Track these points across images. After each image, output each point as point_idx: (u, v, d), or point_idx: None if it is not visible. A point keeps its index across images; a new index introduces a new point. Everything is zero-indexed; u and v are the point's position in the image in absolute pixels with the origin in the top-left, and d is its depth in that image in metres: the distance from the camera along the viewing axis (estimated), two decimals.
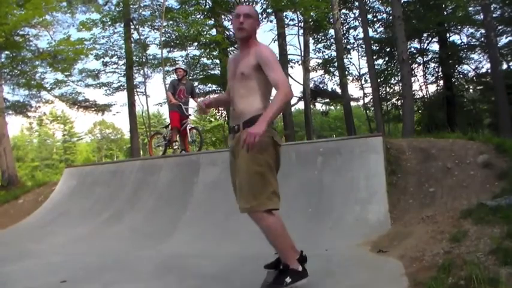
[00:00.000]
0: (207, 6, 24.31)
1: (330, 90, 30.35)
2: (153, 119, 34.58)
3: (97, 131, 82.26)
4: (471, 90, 29.51)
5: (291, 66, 27.71)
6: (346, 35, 28.71)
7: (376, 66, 25.60)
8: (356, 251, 5.67)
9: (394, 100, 29.38)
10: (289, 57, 27.17)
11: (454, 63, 27.10)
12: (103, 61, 26.09)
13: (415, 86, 26.76)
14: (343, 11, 27.49)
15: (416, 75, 27.89)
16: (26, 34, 20.32)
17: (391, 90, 29.31)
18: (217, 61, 25.68)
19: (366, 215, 6.77)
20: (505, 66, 24.13)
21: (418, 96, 27.96)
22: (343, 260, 5.34)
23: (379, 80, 25.90)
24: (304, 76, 26.85)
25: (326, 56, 29.18)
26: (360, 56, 30.13)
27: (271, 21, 26.53)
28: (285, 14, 25.95)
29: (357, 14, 27.76)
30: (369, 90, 27.98)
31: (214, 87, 27.66)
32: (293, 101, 28.26)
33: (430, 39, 27.60)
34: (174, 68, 13.40)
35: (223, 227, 7.25)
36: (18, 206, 11.34)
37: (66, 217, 9.44)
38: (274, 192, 3.90)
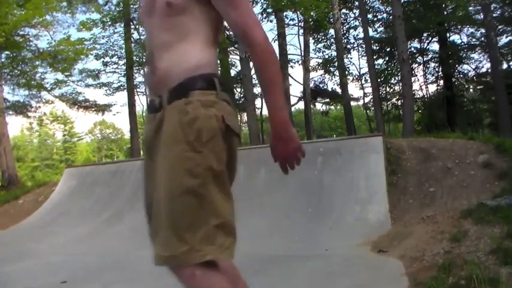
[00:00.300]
0: None
1: (330, 90, 30.39)
2: None
3: (97, 131, 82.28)
4: (471, 90, 29.53)
5: (291, 66, 27.77)
6: (346, 34, 28.73)
7: (376, 66, 25.59)
8: (356, 251, 5.67)
9: (394, 100, 29.39)
10: (289, 57, 27.23)
11: (454, 62, 27.09)
12: (103, 61, 26.06)
13: (415, 86, 26.80)
14: (343, 10, 27.49)
15: (416, 75, 27.90)
16: (26, 34, 20.34)
17: (391, 90, 29.32)
18: (218, 61, 25.65)
19: (366, 215, 6.77)
20: (505, 65, 24.15)
21: (418, 96, 27.96)
22: (343, 260, 5.34)
23: (379, 80, 25.88)
24: (304, 76, 26.85)
25: (326, 56, 29.18)
26: (360, 56, 30.21)
27: (271, 21, 26.56)
28: (285, 13, 25.96)
29: (357, 14, 27.76)
30: (369, 90, 28.01)
31: None
32: (293, 100, 28.31)
33: (430, 39, 27.60)
34: None
35: None
36: (19, 206, 11.35)
37: (66, 217, 9.44)
38: (223, 226, 1.97)
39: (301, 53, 27.61)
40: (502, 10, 23.76)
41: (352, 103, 29.41)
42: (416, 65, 28.29)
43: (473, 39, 26.90)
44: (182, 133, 1.87)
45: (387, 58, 28.09)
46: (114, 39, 25.94)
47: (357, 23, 28.70)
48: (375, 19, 28.30)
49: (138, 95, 26.76)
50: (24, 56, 20.53)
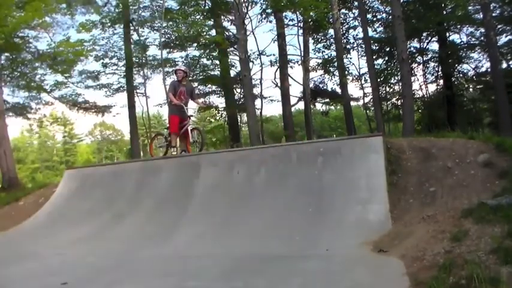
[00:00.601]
0: (207, 7, 24.32)
1: (330, 90, 30.34)
2: (153, 120, 34.65)
3: (97, 132, 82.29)
4: (471, 90, 29.50)
5: (291, 67, 27.71)
6: (346, 34, 28.67)
7: (375, 66, 25.58)
8: (357, 250, 5.67)
9: (394, 100, 29.36)
10: (288, 57, 27.21)
11: (453, 62, 27.06)
12: (103, 62, 26.07)
13: (415, 86, 26.74)
14: (343, 10, 27.48)
15: (416, 75, 27.85)
16: (26, 36, 20.31)
17: (391, 89, 29.28)
18: (217, 62, 25.69)
19: (366, 214, 6.77)
20: (504, 65, 24.10)
21: (418, 96, 27.93)
22: (344, 259, 5.34)
23: (378, 80, 25.86)
24: (304, 76, 26.83)
25: (326, 56, 29.18)
26: (359, 56, 30.05)
27: (270, 22, 26.55)
28: (284, 14, 25.95)
29: (356, 14, 27.73)
30: (368, 90, 27.95)
31: (214, 87, 27.67)
32: (293, 100, 28.27)
33: (429, 38, 27.55)
34: (174, 69, 13.29)
35: (224, 228, 7.26)
36: (19, 208, 11.35)
37: (67, 219, 9.43)
38: None
39: (300, 53, 27.60)
40: (501, 9, 23.77)
41: (352, 103, 29.39)
42: (416, 64, 28.26)
43: (473, 39, 26.87)
44: None
45: (387, 58, 28.07)
46: (114, 41, 25.97)
47: (356, 23, 28.68)
48: (375, 19, 28.26)
49: (138, 96, 26.72)
50: (24, 58, 20.52)
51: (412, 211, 6.71)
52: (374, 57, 25.54)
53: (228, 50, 25.15)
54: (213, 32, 24.60)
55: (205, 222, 7.58)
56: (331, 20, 23.99)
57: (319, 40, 29.10)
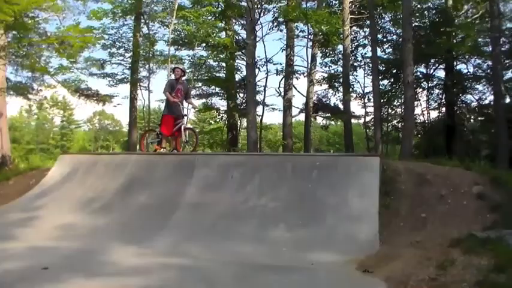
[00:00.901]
0: (219, 9, 24.37)
1: (332, 105, 30.36)
2: (153, 115, 34.60)
3: (96, 120, 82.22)
4: (472, 120, 29.56)
5: (296, 77, 27.76)
6: (355, 52, 28.72)
7: (380, 87, 25.60)
8: (342, 268, 5.64)
9: (395, 122, 29.42)
10: (295, 67, 27.26)
11: (458, 91, 27.10)
12: (110, 52, 26.12)
13: (417, 110, 26.79)
14: (354, 28, 27.52)
15: (419, 100, 27.91)
16: (36, 17, 20.26)
17: (393, 111, 29.36)
18: (224, 64, 25.71)
19: (355, 233, 6.75)
20: (508, 100, 24.16)
21: (419, 121, 27.98)
22: (328, 275, 5.31)
23: (382, 101, 25.91)
24: (308, 88, 26.85)
25: (332, 71, 29.28)
26: (365, 75, 30.12)
27: (281, 31, 26.61)
28: (295, 24, 26.01)
29: (367, 33, 27.82)
30: (371, 109, 28.00)
31: (217, 89, 27.67)
32: (295, 111, 28.27)
33: (437, 65, 27.64)
34: (172, 67, 13.22)
35: (213, 231, 7.22)
36: (9, 187, 11.28)
37: (55, 203, 9.37)
38: None
39: (307, 65, 27.62)
40: (510, 44, 23.85)
41: (353, 120, 29.38)
42: (421, 89, 28.32)
43: (480, 71, 26.96)
44: None
45: (392, 80, 28.13)
46: (123, 31, 26.06)
47: (366, 41, 28.77)
48: (385, 40, 28.34)
49: (141, 89, 26.73)
50: (31, 38, 20.47)
51: (402, 235, 6.70)
52: (380, 77, 25.58)
53: (235, 53, 25.19)
54: (223, 34, 24.63)
55: (195, 223, 7.54)
56: (341, 35, 24.02)
57: (327, 54, 29.17)
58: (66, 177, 10.59)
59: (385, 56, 28.48)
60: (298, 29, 27.29)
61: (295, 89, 27.96)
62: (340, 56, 27.68)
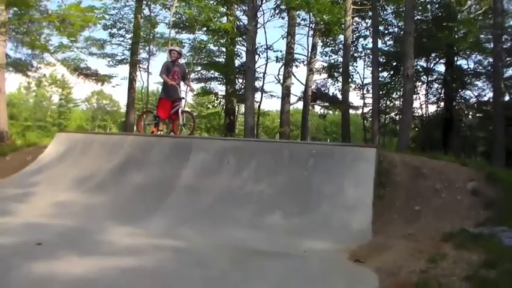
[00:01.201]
0: None
1: (331, 94, 30.34)
2: (152, 97, 34.47)
3: (94, 100, 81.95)
4: (470, 116, 29.62)
5: (296, 65, 27.71)
6: (355, 42, 28.63)
7: (380, 78, 25.59)
8: (334, 256, 5.67)
9: (392, 114, 29.45)
10: (295, 56, 27.20)
11: (457, 87, 27.12)
12: (110, 32, 25.99)
13: (416, 104, 26.86)
14: (356, 18, 27.41)
15: (418, 93, 27.94)
16: None
17: (392, 104, 29.38)
18: (224, 49, 25.64)
19: (349, 222, 6.79)
20: (507, 97, 24.18)
21: (417, 114, 28.02)
22: (320, 263, 5.35)
23: (380, 92, 25.90)
24: (307, 77, 26.81)
25: (332, 61, 29.24)
26: (365, 66, 30.09)
27: (282, 18, 26.53)
28: (297, 12, 25.89)
29: (369, 24, 27.72)
30: (369, 100, 27.99)
31: (216, 74, 27.58)
32: (293, 99, 28.25)
33: (437, 59, 27.63)
34: (168, 49, 13.13)
35: (208, 215, 7.24)
36: (5, 162, 11.26)
37: (51, 181, 9.37)
38: None
39: (307, 53, 27.57)
40: None
41: (351, 111, 29.38)
42: (420, 83, 28.34)
43: (480, 67, 26.98)
44: None
45: (392, 72, 28.13)
46: (124, 12, 25.88)
47: (367, 33, 28.68)
48: (386, 32, 28.26)
49: (140, 70, 26.62)
50: (32, 15, 20.33)
51: (395, 226, 6.74)
52: (379, 69, 25.56)
53: (236, 39, 25.09)
54: (224, 20, 24.52)
55: (190, 207, 7.56)
56: (343, 26, 23.94)
57: (328, 44, 29.12)
58: (63, 155, 10.58)
59: (385, 48, 28.47)
60: (299, 17, 27.26)
61: (295, 77, 27.96)
62: (340, 46, 27.64)
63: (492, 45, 22.27)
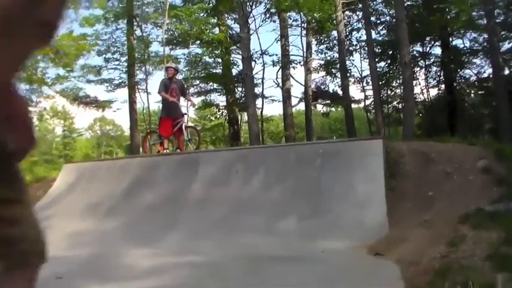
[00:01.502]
0: (211, 5, 24.33)
1: (331, 91, 30.34)
2: (154, 116, 34.53)
3: (97, 127, 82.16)
4: (472, 95, 29.50)
5: (293, 67, 27.79)
6: (349, 36, 28.61)
7: (378, 69, 25.55)
8: (353, 253, 5.65)
9: (395, 103, 29.36)
10: (291, 57, 27.26)
11: (456, 67, 27.03)
12: (105, 57, 26.15)
13: (417, 90, 26.77)
14: (347, 12, 27.41)
15: (418, 79, 27.87)
16: None
17: (393, 93, 29.30)
18: (219, 60, 25.71)
19: (363, 217, 6.75)
20: (507, 71, 24.09)
21: (419, 100, 27.94)
22: (339, 262, 5.33)
23: (380, 83, 25.84)
24: (306, 77, 26.81)
25: (328, 58, 29.25)
26: (362, 58, 30.04)
27: (274, 22, 26.61)
28: (288, 14, 25.96)
29: (360, 16, 27.74)
30: (370, 92, 27.93)
31: (215, 85, 27.65)
32: (294, 101, 28.29)
33: (432, 43, 27.58)
34: (164, 66, 13.20)
35: (221, 226, 7.24)
36: None
37: (63, 212, 9.40)
38: None
39: (303, 54, 27.58)
40: (505, 16, 23.77)
41: (353, 105, 29.36)
42: (418, 68, 28.27)
43: (476, 44, 26.90)
44: None
45: (389, 61, 28.08)
46: (117, 36, 26.08)
47: (360, 25, 28.69)
48: (378, 22, 28.24)
49: (139, 92, 26.75)
50: None
51: (410, 215, 6.70)
52: (376, 60, 25.54)
53: (230, 48, 25.18)
54: (216, 30, 24.60)
55: (203, 220, 7.57)
56: (334, 21, 23.95)
57: (322, 41, 29.16)
58: (72, 185, 10.62)
59: (380, 38, 28.44)
60: (291, 19, 27.31)
61: (293, 78, 27.99)
62: (335, 42, 27.60)
63: (485, 21, 22.19)
